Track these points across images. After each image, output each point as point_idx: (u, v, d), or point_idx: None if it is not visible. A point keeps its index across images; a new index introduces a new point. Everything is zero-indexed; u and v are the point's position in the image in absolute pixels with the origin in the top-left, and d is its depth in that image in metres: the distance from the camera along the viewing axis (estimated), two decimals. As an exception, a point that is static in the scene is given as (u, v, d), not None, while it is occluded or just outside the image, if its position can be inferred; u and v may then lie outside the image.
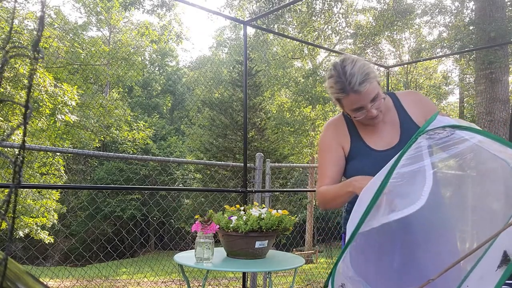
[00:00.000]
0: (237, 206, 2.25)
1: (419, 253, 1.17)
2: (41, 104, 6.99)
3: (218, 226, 2.02)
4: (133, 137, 15.81)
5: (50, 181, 9.27)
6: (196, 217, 2.10)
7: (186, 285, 2.82)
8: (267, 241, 2.06)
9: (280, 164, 7.89)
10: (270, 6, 9.44)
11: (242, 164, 3.15)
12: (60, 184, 9.42)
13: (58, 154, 9.28)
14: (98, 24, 18.43)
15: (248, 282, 3.58)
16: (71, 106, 7.54)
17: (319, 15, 11.47)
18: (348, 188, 1.28)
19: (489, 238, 0.98)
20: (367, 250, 1.18)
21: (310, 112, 14.03)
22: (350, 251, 1.12)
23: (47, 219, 8.48)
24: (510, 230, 0.96)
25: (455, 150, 1.04)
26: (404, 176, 1.03)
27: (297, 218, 2.62)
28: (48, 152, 8.87)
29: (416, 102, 1.45)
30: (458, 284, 1.06)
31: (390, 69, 4.90)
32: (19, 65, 6.69)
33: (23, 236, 7.98)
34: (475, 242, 1.09)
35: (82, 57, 12.34)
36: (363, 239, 1.13)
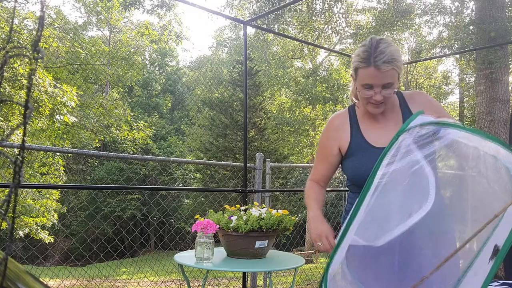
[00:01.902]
0: (237, 206, 2.25)
1: (418, 254, 1.18)
2: (41, 104, 6.99)
3: (218, 226, 2.02)
4: (133, 137, 15.81)
5: (50, 181, 9.27)
6: (196, 217, 2.10)
7: (186, 285, 2.82)
8: (267, 241, 2.06)
9: (280, 164, 7.89)
10: (270, 6, 9.44)
11: (242, 164, 3.15)
12: (60, 184, 9.41)
13: (58, 154, 9.28)
14: (98, 24, 18.42)
15: (248, 282, 3.58)
16: (70, 107, 7.53)
17: (319, 15, 11.46)
18: (309, 214, 1.44)
19: (472, 236, 0.99)
20: (365, 254, 1.18)
21: (310, 112, 14.03)
22: (347, 255, 1.12)
23: (47, 219, 8.48)
24: (500, 226, 0.96)
25: (435, 147, 1.05)
26: (392, 174, 1.04)
27: (297, 218, 2.62)
28: (48, 152, 8.87)
29: (423, 103, 1.44)
30: (454, 283, 1.06)
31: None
32: (18, 65, 6.69)
33: (23, 236, 7.98)
34: (474, 242, 1.09)
35: (82, 57, 12.34)
36: (361, 248, 1.13)
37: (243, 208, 2.20)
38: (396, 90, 1.41)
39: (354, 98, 1.52)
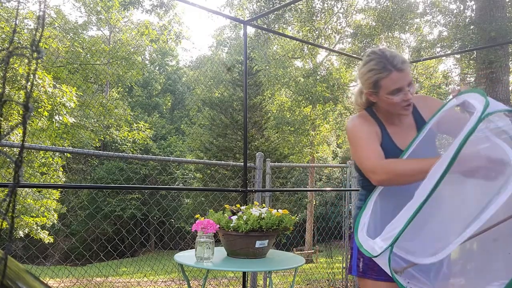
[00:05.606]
0: (237, 205, 2.25)
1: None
2: (40, 104, 6.98)
3: (218, 226, 2.02)
4: (133, 137, 15.81)
5: (50, 181, 9.27)
6: (196, 216, 2.10)
7: (186, 285, 2.82)
8: (267, 240, 2.05)
9: (280, 163, 7.87)
10: (270, 5, 9.44)
11: (242, 163, 3.15)
12: (60, 183, 9.41)
13: (57, 154, 9.27)
14: (98, 24, 18.42)
15: (248, 281, 3.58)
16: (69, 107, 7.51)
17: (319, 15, 11.46)
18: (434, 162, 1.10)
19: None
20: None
21: (310, 112, 14.02)
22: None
23: (47, 218, 8.48)
24: None
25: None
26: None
27: (297, 218, 2.61)
28: (48, 152, 8.87)
29: (433, 106, 1.44)
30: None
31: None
32: (18, 65, 6.68)
33: (23, 235, 7.98)
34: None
35: (82, 56, 12.34)
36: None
37: (243, 208, 2.20)
38: None
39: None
